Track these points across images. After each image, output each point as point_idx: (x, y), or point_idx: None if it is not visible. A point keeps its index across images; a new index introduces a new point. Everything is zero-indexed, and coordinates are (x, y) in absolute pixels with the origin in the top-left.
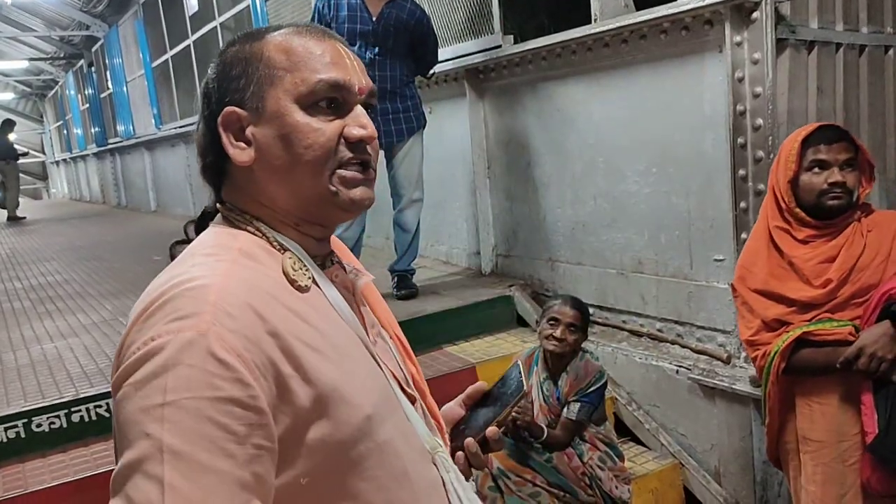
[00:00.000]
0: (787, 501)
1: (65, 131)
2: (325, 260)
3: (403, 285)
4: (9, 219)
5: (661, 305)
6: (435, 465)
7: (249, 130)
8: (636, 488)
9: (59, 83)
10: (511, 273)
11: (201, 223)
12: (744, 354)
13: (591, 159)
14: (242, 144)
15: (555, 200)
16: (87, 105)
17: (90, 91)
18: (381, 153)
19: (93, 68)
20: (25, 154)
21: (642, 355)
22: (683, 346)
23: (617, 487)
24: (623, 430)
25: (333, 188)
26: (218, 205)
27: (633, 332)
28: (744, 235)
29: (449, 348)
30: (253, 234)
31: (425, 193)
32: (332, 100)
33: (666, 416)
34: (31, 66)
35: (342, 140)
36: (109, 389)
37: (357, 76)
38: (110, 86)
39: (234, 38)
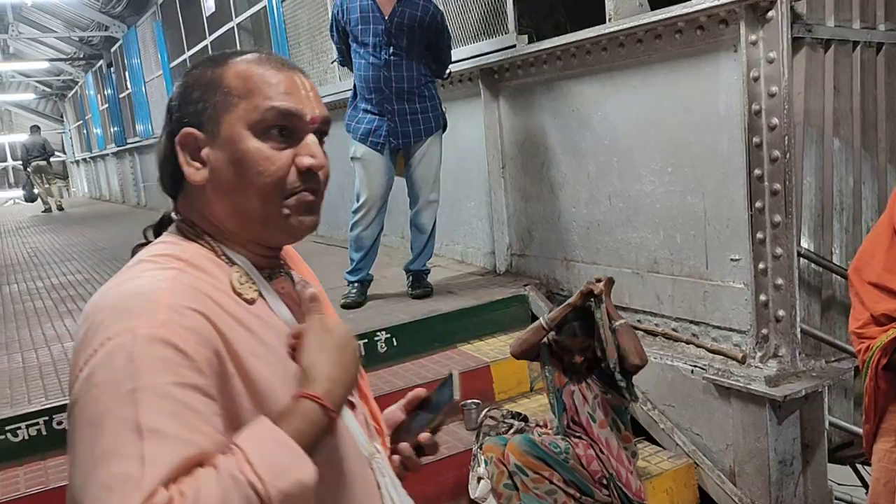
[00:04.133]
0: (802, 502)
1: (84, 131)
2: (272, 271)
3: (418, 285)
4: (59, 209)
5: (676, 305)
6: (371, 469)
7: (205, 152)
8: (651, 488)
9: (79, 83)
10: (526, 272)
11: (159, 228)
12: (759, 354)
13: (607, 159)
14: (197, 164)
15: (570, 200)
16: (107, 105)
17: (109, 91)
18: (399, 158)
19: (112, 69)
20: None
21: (657, 355)
22: (699, 346)
23: (633, 483)
24: (638, 430)
25: (287, 211)
26: (172, 215)
27: (648, 332)
28: (759, 235)
29: (463, 347)
30: (202, 246)
31: (440, 193)
32: (283, 127)
33: (681, 415)
34: (51, 67)
35: (293, 169)
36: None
37: (310, 106)
38: (129, 86)
39: (199, 60)
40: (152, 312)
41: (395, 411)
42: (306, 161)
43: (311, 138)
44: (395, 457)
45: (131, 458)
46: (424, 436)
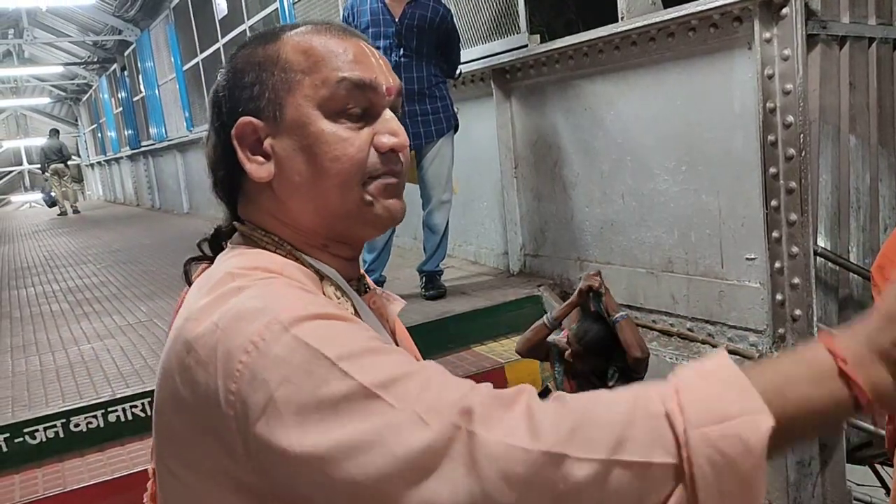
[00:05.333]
0: (820, 503)
1: (99, 134)
2: (359, 284)
3: (432, 285)
4: (75, 212)
5: (691, 305)
6: None
7: (268, 143)
8: None
9: (93, 87)
10: (539, 273)
11: (215, 241)
12: (776, 354)
13: (620, 158)
14: (260, 158)
15: (583, 199)
16: (121, 108)
17: (123, 94)
18: (412, 157)
19: (125, 72)
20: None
21: (672, 355)
22: (714, 346)
23: None
24: None
25: (369, 198)
26: (236, 224)
27: (663, 332)
28: (775, 234)
29: (477, 348)
30: (284, 256)
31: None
32: (359, 105)
33: None
34: (65, 71)
35: (371, 149)
36: (149, 389)
37: (384, 75)
38: (143, 89)
39: (246, 40)
40: (284, 301)
41: None
42: (389, 141)
43: (388, 114)
44: None
45: (377, 414)
46: None
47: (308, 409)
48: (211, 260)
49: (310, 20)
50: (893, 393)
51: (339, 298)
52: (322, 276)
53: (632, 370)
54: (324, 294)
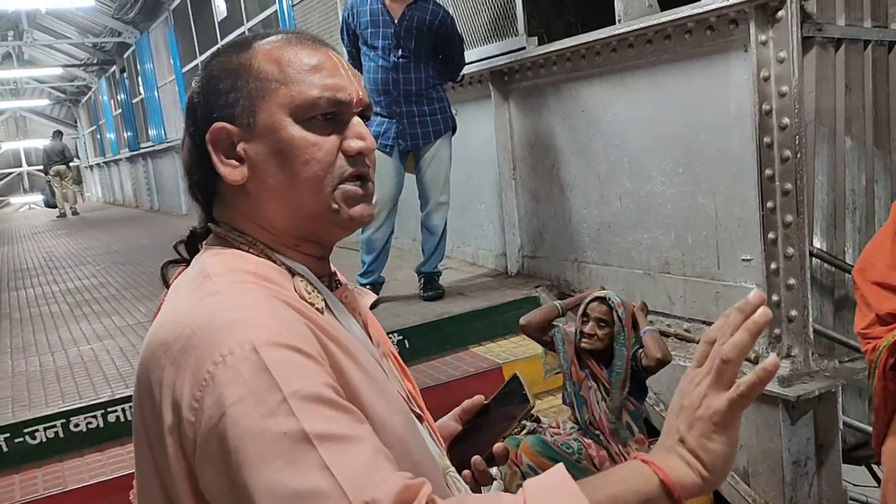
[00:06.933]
0: (816, 502)
1: (98, 136)
2: (330, 280)
3: (430, 287)
4: (74, 213)
5: (688, 306)
6: (447, 485)
7: (241, 147)
8: None
9: (93, 89)
10: (537, 274)
11: (192, 243)
12: (772, 354)
13: (617, 160)
14: (234, 162)
15: (581, 201)
16: (120, 110)
17: (122, 96)
18: (409, 156)
19: (125, 74)
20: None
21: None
22: None
23: None
24: (651, 431)
25: (336, 205)
26: (211, 225)
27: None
28: (771, 235)
29: (475, 349)
30: (257, 256)
31: (451, 195)
32: (329, 113)
33: None
34: (65, 73)
35: (340, 153)
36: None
37: (354, 88)
38: (142, 91)
39: (219, 49)
40: (261, 320)
41: (449, 422)
42: (356, 145)
43: (356, 120)
44: (466, 472)
45: (313, 469)
46: (499, 446)
47: (250, 436)
48: (188, 262)
49: (281, 30)
50: (688, 473)
51: (310, 293)
52: (293, 273)
53: (645, 370)
54: (294, 289)
